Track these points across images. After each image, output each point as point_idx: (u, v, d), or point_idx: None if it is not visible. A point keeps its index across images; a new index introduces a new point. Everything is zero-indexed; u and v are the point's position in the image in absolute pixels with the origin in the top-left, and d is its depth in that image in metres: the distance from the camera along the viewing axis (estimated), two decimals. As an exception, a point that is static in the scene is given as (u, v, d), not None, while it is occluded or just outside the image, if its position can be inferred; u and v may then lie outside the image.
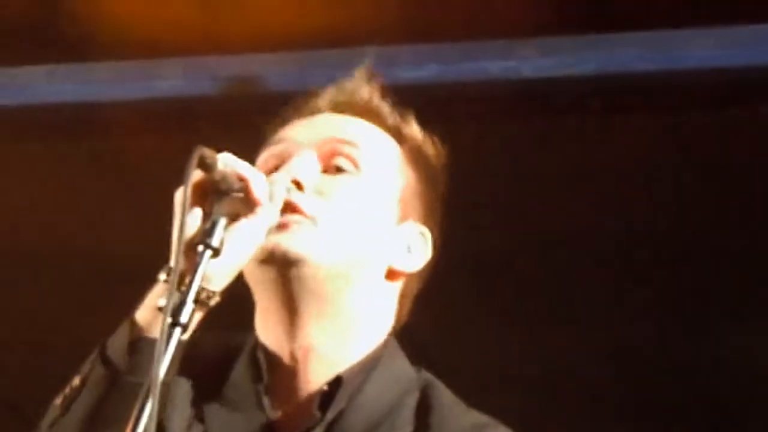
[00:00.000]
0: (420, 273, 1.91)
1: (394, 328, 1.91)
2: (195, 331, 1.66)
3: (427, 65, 2.95)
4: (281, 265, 1.76)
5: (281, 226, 1.74)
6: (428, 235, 1.90)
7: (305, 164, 1.81)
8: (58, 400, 1.70)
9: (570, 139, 3.01)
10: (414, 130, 1.95)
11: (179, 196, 1.63)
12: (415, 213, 1.91)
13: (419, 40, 2.94)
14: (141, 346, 1.65)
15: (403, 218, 1.89)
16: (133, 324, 1.66)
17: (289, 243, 1.74)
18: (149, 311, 1.65)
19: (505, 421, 1.84)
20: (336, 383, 1.79)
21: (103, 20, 2.93)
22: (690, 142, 3.00)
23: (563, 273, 3.09)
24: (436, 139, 1.96)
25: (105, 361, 1.66)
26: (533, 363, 3.36)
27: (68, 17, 2.97)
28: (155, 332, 1.61)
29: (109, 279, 2.94)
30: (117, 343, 1.66)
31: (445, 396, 1.88)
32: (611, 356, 3.24)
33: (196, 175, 1.62)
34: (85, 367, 1.68)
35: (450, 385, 1.90)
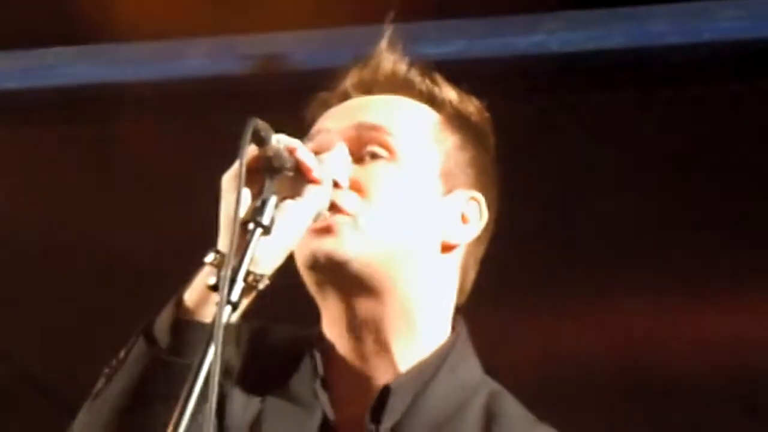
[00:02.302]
0: (480, 238, 1.89)
1: (459, 301, 1.89)
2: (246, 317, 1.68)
3: (453, 41, 2.98)
4: (329, 269, 1.76)
5: (324, 230, 1.74)
6: (481, 198, 1.87)
7: (338, 160, 1.79)
8: (104, 372, 1.72)
9: (600, 113, 3.01)
10: (449, 92, 1.91)
11: (233, 169, 1.62)
12: (464, 179, 1.89)
13: (445, 16, 2.97)
14: (184, 327, 1.65)
15: (450, 189, 1.86)
16: (179, 304, 1.66)
17: (333, 246, 1.74)
18: (196, 293, 1.65)
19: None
20: (386, 391, 1.79)
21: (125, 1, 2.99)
22: (719, 113, 3.02)
23: (602, 245, 3.14)
24: (473, 96, 1.93)
25: (148, 338, 1.67)
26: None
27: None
28: (200, 314, 1.63)
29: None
30: (161, 323, 1.67)
31: (513, 407, 1.86)
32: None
33: (250, 149, 1.59)
34: (130, 342, 1.69)
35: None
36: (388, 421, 1.76)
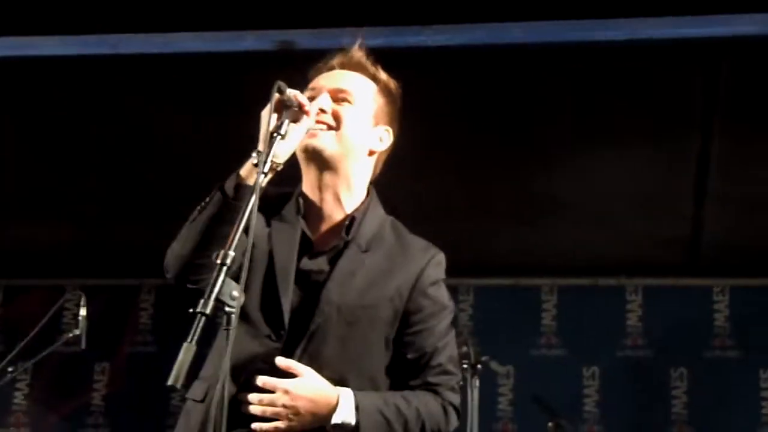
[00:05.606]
0: (386, 151, 2.50)
1: (372, 181, 2.49)
2: (269, 184, 2.19)
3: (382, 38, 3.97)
4: (312, 154, 2.37)
5: (312, 135, 2.31)
6: (390, 131, 2.50)
7: (326, 100, 2.39)
8: (197, 208, 2.25)
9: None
10: (382, 74, 2.51)
11: (266, 107, 2.15)
12: (384, 120, 2.49)
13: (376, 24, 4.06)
14: (240, 186, 2.21)
15: (377, 123, 2.47)
16: (238, 174, 2.24)
17: (316, 143, 2.34)
18: (246, 169, 2.23)
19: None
20: (352, 219, 2.37)
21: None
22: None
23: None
24: (394, 80, 2.52)
25: (221, 191, 2.23)
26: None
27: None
28: (248, 180, 2.18)
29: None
30: (228, 184, 2.23)
31: (403, 226, 2.47)
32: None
33: (275, 96, 2.13)
34: (211, 194, 2.24)
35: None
36: (351, 234, 2.36)
